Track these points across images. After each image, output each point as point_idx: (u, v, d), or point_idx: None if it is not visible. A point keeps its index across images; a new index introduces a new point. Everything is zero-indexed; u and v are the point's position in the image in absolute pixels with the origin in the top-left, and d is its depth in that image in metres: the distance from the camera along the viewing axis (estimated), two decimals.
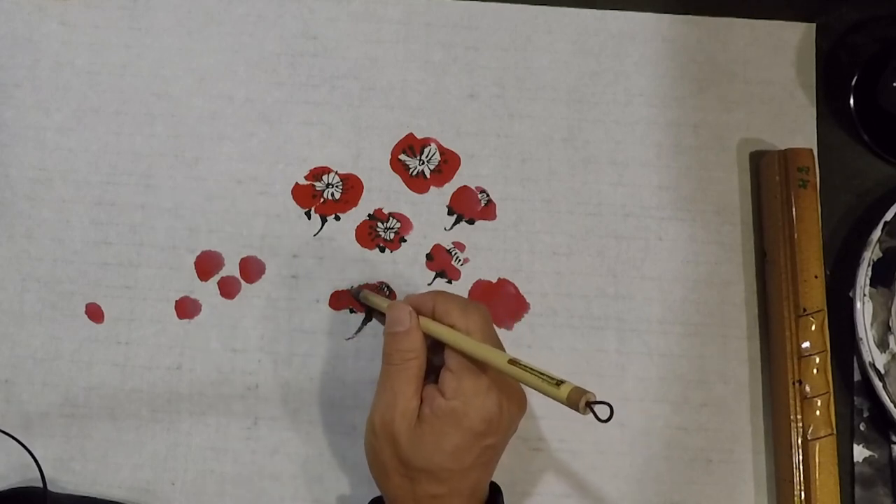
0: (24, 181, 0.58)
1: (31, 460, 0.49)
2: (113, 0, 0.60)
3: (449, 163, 0.58)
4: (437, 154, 0.59)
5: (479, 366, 0.46)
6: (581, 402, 0.40)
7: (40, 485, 0.49)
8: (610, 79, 0.60)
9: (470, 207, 0.58)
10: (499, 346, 0.48)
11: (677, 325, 0.57)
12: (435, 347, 0.49)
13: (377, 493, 0.54)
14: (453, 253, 0.57)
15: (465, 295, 0.57)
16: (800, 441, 0.52)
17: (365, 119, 0.59)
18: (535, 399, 0.55)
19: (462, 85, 0.59)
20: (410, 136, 0.59)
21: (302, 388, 0.56)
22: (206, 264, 0.57)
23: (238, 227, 0.57)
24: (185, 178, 0.58)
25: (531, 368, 0.43)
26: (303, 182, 0.58)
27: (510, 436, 0.49)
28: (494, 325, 0.56)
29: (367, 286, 0.57)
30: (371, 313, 0.57)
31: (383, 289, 0.57)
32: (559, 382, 0.41)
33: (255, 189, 0.58)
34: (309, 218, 0.58)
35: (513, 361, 0.44)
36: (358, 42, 0.60)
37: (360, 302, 0.56)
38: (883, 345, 0.54)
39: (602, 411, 0.40)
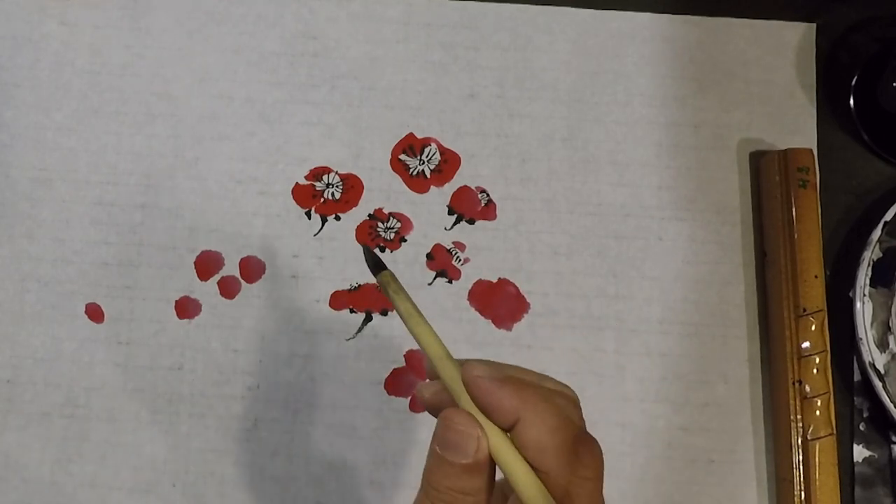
0: (24, 181, 0.58)
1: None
2: (113, 0, 0.60)
3: (449, 162, 0.58)
4: (438, 154, 0.59)
5: None
6: None
7: None
8: (610, 79, 0.60)
9: (470, 207, 0.58)
10: None
11: (677, 325, 0.57)
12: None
13: (378, 494, 0.54)
14: (453, 253, 0.57)
15: (465, 295, 0.57)
16: (800, 441, 0.53)
17: (365, 119, 0.59)
18: None
19: (462, 85, 0.59)
20: (410, 135, 0.59)
21: (302, 388, 0.56)
22: (206, 264, 0.57)
23: (238, 227, 0.57)
24: (185, 178, 0.58)
25: None
26: (303, 182, 0.58)
27: None
28: (495, 327, 0.56)
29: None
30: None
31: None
32: None
33: (255, 189, 0.58)
34: (309, 218, 0.58)
35: None
36: (358, 42, 0.60)
37: (387, 294, 0.37)
38: (883, 345, 0.54)
39: None
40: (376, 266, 0.36)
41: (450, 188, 0.58)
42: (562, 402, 0.32)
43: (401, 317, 0.34)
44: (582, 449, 0.31)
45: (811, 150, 0.56)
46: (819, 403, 0.53)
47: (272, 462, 0.55)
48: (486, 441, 0.31)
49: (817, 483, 0.52)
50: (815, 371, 0.53)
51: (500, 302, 0.57)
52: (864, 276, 0.55)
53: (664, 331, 0.57)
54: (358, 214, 0.58)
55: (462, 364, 0.32)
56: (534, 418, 0.30)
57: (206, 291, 0.57)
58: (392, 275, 0.35)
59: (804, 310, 0.54)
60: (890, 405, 0.53)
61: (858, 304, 0.54)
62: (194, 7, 0.60)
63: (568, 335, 0.56)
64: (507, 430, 0.31)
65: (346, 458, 0.55)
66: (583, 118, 0.59)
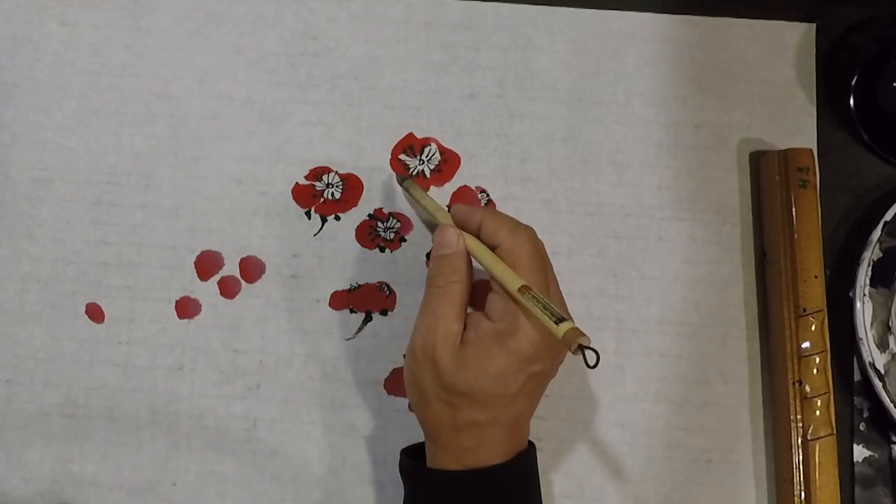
0: (24, 181, 0.58)
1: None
2: (113, 0, 0.60)
3: (449, 162, 0.58)
4: (438, 154, 0.59)
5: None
6: (574, 343, 0.42)
7: None
8: (610, 79, 0.60)
9: None
10: (547, 272, 0.48)
11: (677, 326, 0.57)
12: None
13: (378, 494, 0.54)
14: None
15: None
16: (800, 441, 0.53)
17: (365, 119, 0.59)
18: None
19: (462, 85, 0.59)
20: (410, 135, 0.59)
21: (303, 388, 0.56)
22: (206, 264, 0.57)
23: (238, 227, 0.57)
24: (185, 178, 0.58)
25: (538, 300, 0.44)
26: (303, 182, 0.58)
27: (558, 365, 0.48)
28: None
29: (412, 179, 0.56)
30: (414, 206, 0.57)
31: (383, 289, 0.57)
32: (560, 320, 0.43)
33: (255, 189, 0.58)
34: (309, 218, 0.58)
35: (524, 289, 0.44)
36: (358, 42, 0.60)
37: (403, 189, 0.56)
38: (883, 345, 0.54)
39: (590, 357, 0.42)
40: (400, 182, 0.56)
41: (450, 188, 0.58)
42: (509, 218, 0.49)
43: (416, 199, 0.55)
44: (519, 228, 0.48)
45: (811, 150, 0.56)
46: (819, 403, 0.53)
47: (272, 462, 0.55)
48: (462, 238, 0.48)
49: (817, 483, 0.52)
50: (815, 371, 0.53)
51: None
52: (864, 276, 0.55)
53: (664, 331, 0.57)
54: (358, 214, 0.58)
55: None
56: (488, 220, 0.48)
57: (206, 291, 0.57)
58: (412, 181, 0.56)
59: (804, 310, 0.54)
60: (890, 405, 0.53)
61: (858, 304, 0.54)
62: (194, 7, 0.60)
63: None
64: (476, 234, 0.49)
65: (346, 458, 0.55)
66: (583, 118, 0.59)
